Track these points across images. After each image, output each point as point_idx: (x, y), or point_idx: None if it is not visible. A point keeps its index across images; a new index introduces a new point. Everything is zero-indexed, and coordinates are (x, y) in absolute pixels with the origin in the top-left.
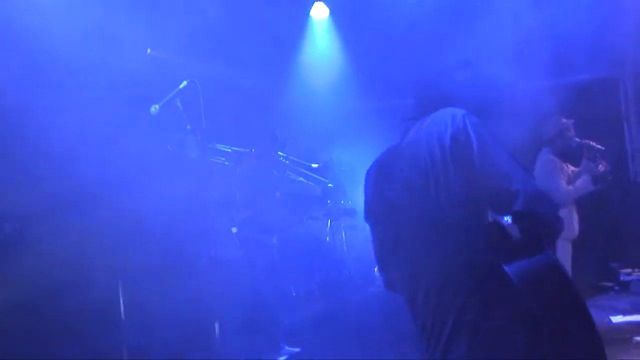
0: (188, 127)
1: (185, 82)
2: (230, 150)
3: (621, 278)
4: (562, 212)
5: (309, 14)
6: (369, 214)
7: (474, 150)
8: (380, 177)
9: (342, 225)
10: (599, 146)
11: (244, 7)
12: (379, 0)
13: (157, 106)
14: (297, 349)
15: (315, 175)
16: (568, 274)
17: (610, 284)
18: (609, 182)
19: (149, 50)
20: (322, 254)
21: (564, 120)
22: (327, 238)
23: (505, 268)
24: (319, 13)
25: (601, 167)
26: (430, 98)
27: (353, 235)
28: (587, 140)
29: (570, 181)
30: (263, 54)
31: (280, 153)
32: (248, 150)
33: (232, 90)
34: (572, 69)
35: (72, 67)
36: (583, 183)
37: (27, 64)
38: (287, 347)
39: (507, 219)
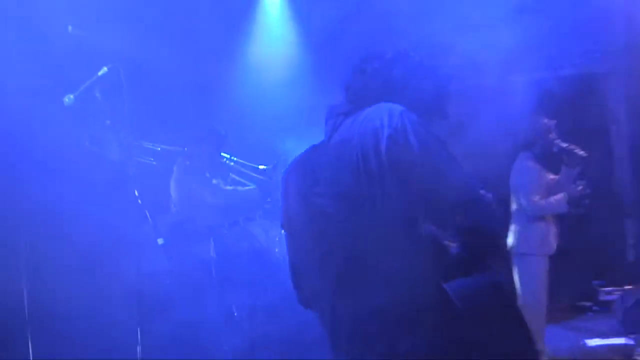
0: (108, 122)
1: (105, 68)
2: (159, 149)
3: (601, 297)
4: (539, 226)
5: None
6: (288, 222)
7: (414, 154)
8: (303, 180)
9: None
10: (582, 152)
11: None
12: None
13: (71, 96)
14: None
15: (262, 177)
16: (515, 296)
17: (588, 304)
18: (586, 207)
19: (70, 28)
20: (266, 266)
21: (545, 120)
22: (276, 249)
23: (444, 286)
24: None
25: (580, 189)
26: (367, 89)
27: None
28: (570, 145)
29: (549, 191)
30: (207, 35)
31: (224, 154)
32: (181, 149)
33: (168, 78)
34: (559, 63)
35: None
36: (558, 203)
37: None
38: None
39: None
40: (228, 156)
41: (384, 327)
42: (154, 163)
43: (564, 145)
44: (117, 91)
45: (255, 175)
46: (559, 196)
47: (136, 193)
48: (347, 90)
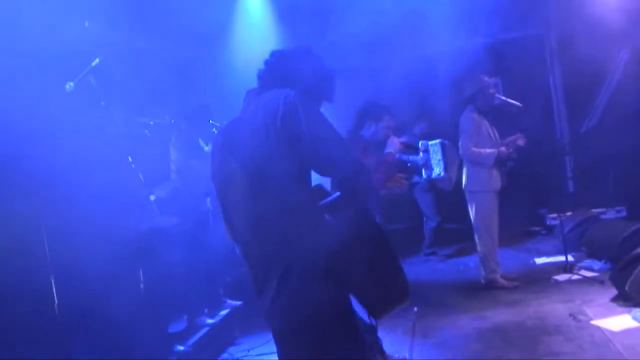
0: (102, 103)
1: (97, 60)
2: (152, 122)
3: (547, 222)
4: (482, 169)
5: None
6: (214, 177)
7: (300, 126)
8: (224, 145)
9: None
10: (517, 103)
11: None
12: None
13: (71, 83)
14: (239, 302)
15: None
16: (376, 223)
17: (538, 229)
18: (509, 166)
19: (86, 24)
20: None
21: (485, 78)
22: None
23: (327, 217)
24: None
25: (520, 141)
26: (271, 77)
27: None
28: (507, 98)
29: (490, 138)
30: (199, 23)
31: (213, 122)
32: (169, 121)
33: (160, 62)
34: (502, 28)
35: None
36: (486, 156)
37: None
38: (229, 301)
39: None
40: (217, 124)
41: (280, 255)
42: (148, 134)
43: (503, 98)
44: (109, 77)
45: None
46: (489, 151)
47: (130, 159)
48: (258, 77)
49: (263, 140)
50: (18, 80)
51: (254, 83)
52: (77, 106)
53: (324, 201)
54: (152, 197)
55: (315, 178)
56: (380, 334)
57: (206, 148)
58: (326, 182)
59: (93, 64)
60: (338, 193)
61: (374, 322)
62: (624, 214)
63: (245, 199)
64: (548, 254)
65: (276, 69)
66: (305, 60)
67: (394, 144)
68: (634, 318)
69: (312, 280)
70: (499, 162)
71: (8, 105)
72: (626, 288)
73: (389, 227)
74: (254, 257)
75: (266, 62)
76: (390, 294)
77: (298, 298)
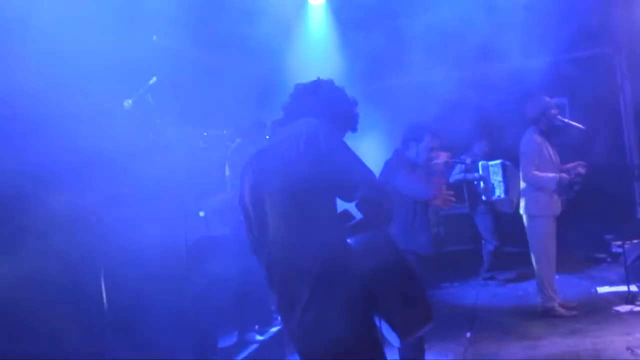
0: (158, 121)
1: (154, 78)
2: (205, 134)
3: (613, 250)
4: (542, 194)
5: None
6: (241, 201)
7: (322, 153)
8: (255, 172)
9: None
10: (580, 125)
11: None
12: None
13: (129, 101)
14: None
15: None
16: (396, 245)
17: (603, 256)
18: (574, 192)
19: (154, 37)
20: None
21: (547, 99)
22: None
23: (349, 240)
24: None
25: (581, 169)
26: (296, 108)
27: None
28: (568, 120)
29: (552, 162)
30: (260, 40)
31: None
32: (222, 132)
33: (225, 76)
34: (569, 46)
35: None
36: (548, 180)
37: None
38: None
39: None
40: None
41: (307, 277)
42: (203, 145)
43: (565, 120)
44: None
45: None
46: (551, 175)
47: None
48: (283, 108)
49: (289, 167)
50: (82, 95)
51: None
52: (134, 124)
53: (347, 225)
54: (202, 213)
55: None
56: (431, 357)
57: None
58: (353, 208)
59: (150, 82)
60: (359, 216)
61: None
62: None
63: (275, 223)
64: (611, 283)
65: (300, 101)
66: (327, 92)
67: (441, 156)
68: None
69: (336, 303)
70: (561, 187)
71: (72, 121)
72: None
73: (449, 248)
74: (279, 277)
75: (291, 96)
76: (414, 316)
77: (324, 320)
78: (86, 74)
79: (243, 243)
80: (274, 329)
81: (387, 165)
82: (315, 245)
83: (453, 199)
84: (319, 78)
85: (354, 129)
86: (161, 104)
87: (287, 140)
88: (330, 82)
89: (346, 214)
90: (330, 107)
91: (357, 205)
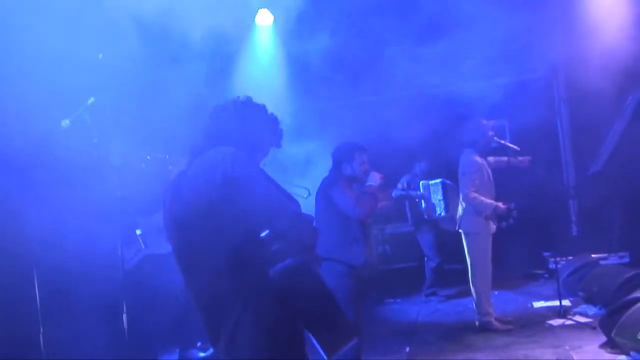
0: (95, 140)
1: (92, 99)
2: (148, 157)
3: (550, 266)
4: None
5: (253, 20)
6: (165, 228)
7: (239, 186)
8: (172, 198)
9: None
10: (515, 147)
11: (188, 13)
12: (322, 7)
13: (67, 120)
14: None
15: None
16: (312, 269)
17: (540, 272)
18: (514, 220)
19: (100, 56)
20: None
21: (484, 121)
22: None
23: (270, 271)
24: (264, 20)
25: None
26: (212, 133)
27: None
28: (506, 142)
29: (490, 183)
30: (207, 59)
31: None
32: (164, 156)
33: (171, 96)
34: (510, 70)
35: None
36: (485, 206)
37: None
38: None
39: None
40: None
41: (223, 307)
42: (144, 166)
43: (501, 141)
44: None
45: None
46: (489, 202)
47: (119, 194)
48: (202, 131)
49: (204, 198)
50: (23, 112)
51: None
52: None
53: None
54: (139, 232)
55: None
56: None
57: None
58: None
59: (88, 102)
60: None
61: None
62: (627, 259)
63: (192, 250)
64: (546, 298)
65: (218, 123)
66: (243, 112)
67: (375, 178)
68: None
69: (260, 327)
70: (496, 215)
71: (10, 137)
72: (612, 334)
73: (394, 266)
74: (207, 304)
75: (209, 117)
76: (335, 336)
77: (254, 339)
78: (27, 92)
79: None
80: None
81: (325, 181)
82: (237, 274)
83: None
84: (237, 98)
85: (278, 145)
86: (102, 123)
87: (201, 171)
88: (247, 101)
89: (262, 243)
90: (248, 129)
91: (274, 237)
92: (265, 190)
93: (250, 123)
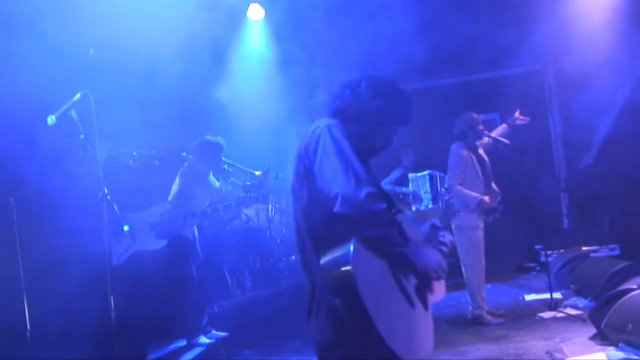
0: (81, 136)
1: (79, 94)
2: (135, 153)
3: (542, 259)
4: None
5: (244, 14)
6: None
7: (314, 161)
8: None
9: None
10: (506, 141)
11: (180, 9)
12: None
13: (53, 116)
14: (225, 334)
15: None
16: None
17: (532, 265)
18: (500, 214)
19: (91, 51)
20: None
21: (475, 115)
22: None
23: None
24: (255, 14)
25: (493, 204)
26: (332, 108)
27: None
28: (495, 135)
29: (478, 176)
30: (198, 57)
31: (225, 159)
32: (150, 152)
33: (164, 93)
34: (500, 64)
35: None
36: (470, 199)
37: None
38: (214, 332)
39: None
40: (230, 162)
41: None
42: (132, 164)
43: (492, 135)
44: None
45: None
46: (474, 195)
47: (105, 190)
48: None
49: (298, 163)
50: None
51: (244, 118)
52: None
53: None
54: (126, 228)
55: None
56: None
57: (217, 184)
58: None
59: (75, 98)
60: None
61: None
62: (617, 252)
63: (295, 218)
64: (538, 291)
65: (335, 99)
66: (365, 88)
67: None
68: (608, 357)
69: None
70: (482, 210)
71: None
72: (602, 326)
73: None
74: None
75: (330, 94)
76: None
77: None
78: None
79: (179, 255)
80: (204, 340)
81: None
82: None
83: None
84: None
85: (405, 124)
86: (89, 120)
87: (301, 143)
88: (372, 76)
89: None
90: (364, 104)
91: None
92: (334, 169)
93: (367, 99)
